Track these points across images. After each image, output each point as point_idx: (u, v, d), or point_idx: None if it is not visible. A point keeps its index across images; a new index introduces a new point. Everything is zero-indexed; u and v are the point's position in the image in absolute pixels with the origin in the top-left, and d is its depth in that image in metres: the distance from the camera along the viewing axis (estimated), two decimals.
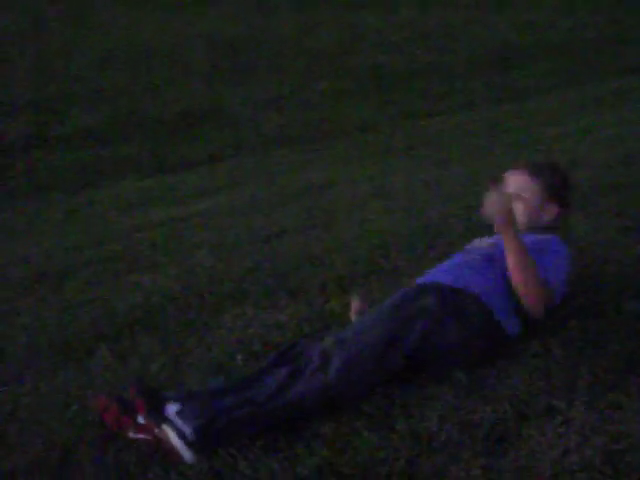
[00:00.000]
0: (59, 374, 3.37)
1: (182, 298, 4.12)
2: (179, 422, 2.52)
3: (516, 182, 3.17)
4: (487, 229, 3.14)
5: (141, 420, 2.60)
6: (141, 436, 2.60)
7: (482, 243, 3.19)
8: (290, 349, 2.87)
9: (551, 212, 3.15)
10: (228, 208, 7.14)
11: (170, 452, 2.50)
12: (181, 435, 2.49)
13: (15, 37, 14.80)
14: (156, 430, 2.55)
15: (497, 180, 3.07)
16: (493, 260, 2.96)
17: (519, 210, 3.05)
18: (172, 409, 2.58)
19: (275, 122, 11.62)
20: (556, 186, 3.15)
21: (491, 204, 2.86)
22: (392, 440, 2.38)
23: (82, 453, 2.64)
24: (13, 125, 11.39)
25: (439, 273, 3.01)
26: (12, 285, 5.17)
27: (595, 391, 2.47)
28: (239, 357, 3.20)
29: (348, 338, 2.68)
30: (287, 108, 12.14)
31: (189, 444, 2.48)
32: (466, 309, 2.76)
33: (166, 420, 2.54)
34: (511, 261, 2.83)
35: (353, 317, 3.17)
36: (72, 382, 3.24)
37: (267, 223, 5.98)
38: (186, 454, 2.48)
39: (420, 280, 3.05)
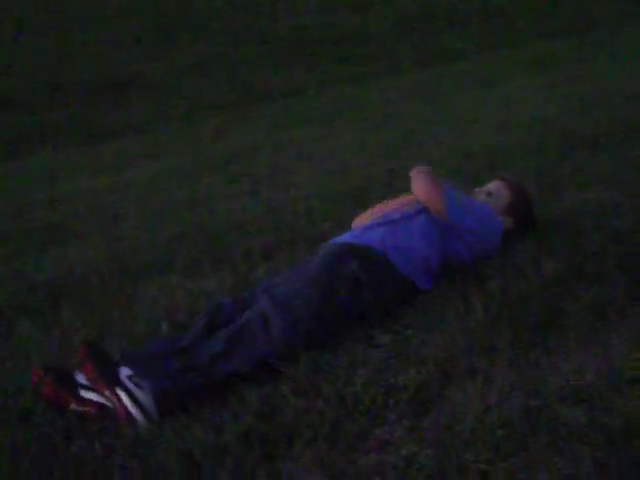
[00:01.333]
0: None
1: (106, 269, 4.06)
2: (132, 387, 2.52)
3: (493, 184, 3.53)
4: (408, 193, 3.23)
5: (84, 383, 2.58)
6: (83, 408, 2.57)
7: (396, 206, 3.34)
8: (217, 311, 2.87)
9: (506, 222, 3.40)
10: (152, 177, 7.06)
11: (119, 416, 2.49)
12: (137, 402, 2.49)
13: None
14: (107, 392, 2.53)
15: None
16: (412, 220, 3.15)
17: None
18: (124, 372, 2.57)
19: (201, 87, 11.48)
20: (520, 205, 3.46)
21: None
22: (317, 404, 2.39)
23: (5, 426, 2.59)
24: None
25: (363, 234, 3.14)
26: None
27: (516, 350, 2.53)
28: (164, 326, 3.18)
29: (285, 299, 2.78)
30: (210, 74, 12.00)
31: (145, 412, 2.48)
32: (384, 274, 2.94)
33: (119, 384, 2.53)
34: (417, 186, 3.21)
35: None
36: None
37: (192, 191, 5.93)
38: (139, 418, 2.48)
39: (338, 239, 3.21)
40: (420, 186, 3.21)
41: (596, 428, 2.06)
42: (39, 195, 6.99)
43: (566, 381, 2.30)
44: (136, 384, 2.54)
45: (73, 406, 2.59)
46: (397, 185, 3.46)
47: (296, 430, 2.29)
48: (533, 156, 4.87)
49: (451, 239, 3.16)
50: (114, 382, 2.54)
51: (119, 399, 2.52)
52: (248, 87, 11.42)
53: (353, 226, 3.38)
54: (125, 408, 2.50)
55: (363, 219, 3.36)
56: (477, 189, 3.54)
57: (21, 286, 4.06)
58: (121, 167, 7.94)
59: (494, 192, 3.47)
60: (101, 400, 2.56)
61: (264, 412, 2.40)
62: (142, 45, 13.02)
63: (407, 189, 3.31)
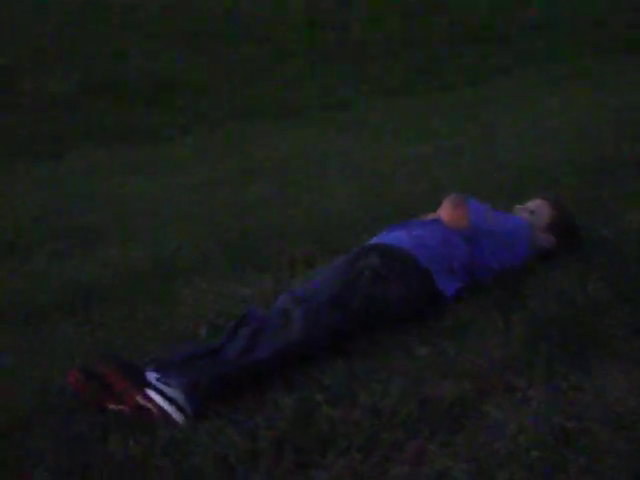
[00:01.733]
0: (22, 346, 3.35)
1: (149, 271, 4.11)
2: (163, 387, 2.56)
3: (534, 202, 3.54)
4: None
5: (118, 392, 2.61)
6: (120, 407, 2.60)
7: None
8: (247, 315, 2.93)
9: (548, 240, 3.41)
10: (197, 182, 7.11)
11: (156, 417, 2.52)
12: (168, 399, 2.53)
13: None
14: (138, 397, 2.56)
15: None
16: (433, 225, 3.24)
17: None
18: (152, 376, 2.61)
19: (246, 95, 11.55)
20: (562, 223, 3.45)
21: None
22: (353, 414, 2.40)
23: (43, 424, 2.63)
24: None
25: (387, 236, 3.25)
26: None
27: (555, 370, 2.51)
28: (203, 330, 3.21)
29: (305, 293, 2.89)
30: (258, 81, 12.06)
31: (178, 406, 2.52)
32: (407, 272, 3.00)
33: (150, 385, 2.57)
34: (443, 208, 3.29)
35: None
36: (36, 353, 3.23)
37: (237, 197, 5.97)
38: (177, 416, 2.52)
39: (367, 242, 3.31)
40: (446, 207, 3.28)
41: (637, 456, 2.03)
42: (84, 195, 7.08)
43: (607, 406, 2.28)
44: (165, 383, 2.58)
45: (111, 405, 2.62)
46: (440, 199, 3.47)
47: (330, 439, 2.30)
48: (577, 174, 4.83)
49: (475, 243, 3.19)
50: (143, 386, 2.58)
51: (151, 400, 2.55)
52: (292, 97, 11.46)
53: None
54: (158, 406, 2.53)
55: None
56: (518, 206, 3.53)
57: (63, 286, 4.11)
58: (166, 170, 8.01)
59: (536, 210, 3.48)
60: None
61: (298, 419, 2.41)
62: (189, 48, 13.12)
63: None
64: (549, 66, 11.87)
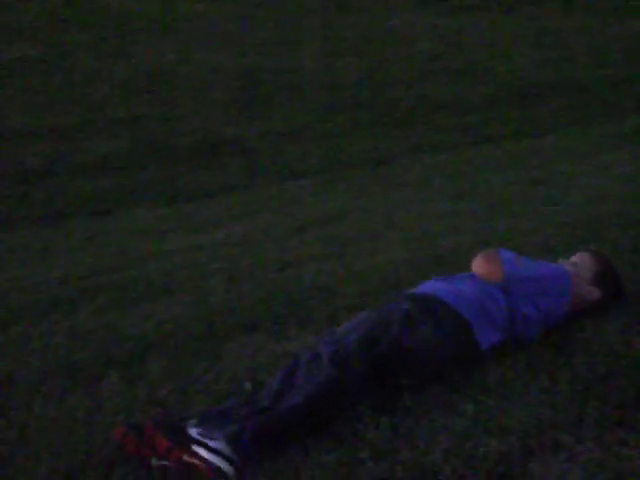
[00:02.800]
0: (68, 399, 3.37)
1: (193, 326, 4.13)
2: (207, 440, 2.56)
3: (578, 256, 3.52)
4: None
5: (163, 452, 2.61)
6: (165, 463, 2.60)
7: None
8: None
9: (593, 293, 3.37)
10: (242, 237, 7.17)
11: (201, 471, 2.51)
12: (213, 451, 2.52)
13: (40, 66, 15.01)
14: (184, 456, 2.55)
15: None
16: (473, 278, 3.23)
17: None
18: (194, 432, 2.61)
19: (292, 153, 11.68)
20: (606, 276, 3.42)
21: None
22: (396, 471, 2.37)
23: (87, 478, 2.64)
24: (33, 152, 11.52)
25: (421, 287, 3.28)
26: (26, 310, 5.19)
27: (602, 427, 2.46)
28: (248, 385, 3.21)
29: (337, 338, 2.91)
30: (304, 139, 12.20)
31: (225, 457, 2.52)
32: (440, 315, 3.00)
33: (194, 441, 2.56)
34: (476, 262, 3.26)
35: None
36: (80, 407, 3.25)
37: (281, 253, 6.00)
38: (225, 466, 2.51)
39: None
40: (479, 262, 3.27)
41: None
42: (133, 251, 7.18)
43: None
44: (208, 437, 2.58)
45: (154, 461, 2.62)
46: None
47: None
48: (626, 229, 4.77)
49: (509, 292, 3.16)
50: (188, 442, 2.57)
51: (196, 454, 2.54)
52: (338, 154, 11.57)
53: None
54: (204, 459, 2.52)
55: None
56: (561, 260, 3.50)
57: (110, 339, 4.15)
58: (213, 227, 8.10)
59: (579, 263, 3.45)
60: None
61: (341, 476, 2.38)
62: (238, 108, 13.36)
63: None
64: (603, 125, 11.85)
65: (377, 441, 2.53)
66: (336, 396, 2.71)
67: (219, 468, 2.51)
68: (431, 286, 3.23)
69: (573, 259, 3.49)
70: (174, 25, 17.46)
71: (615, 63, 15.20)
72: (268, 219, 8.24)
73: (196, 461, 2.54)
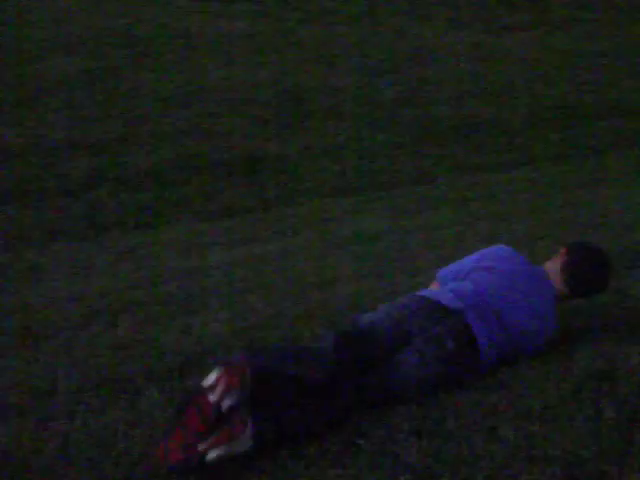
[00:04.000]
0: (109, 411, 3.40)
1: (232, 341, 4.14)
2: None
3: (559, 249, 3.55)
4: None
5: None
6: (211, 439, 2.65)
7: None
8: None
9: (560, 286, 3.40)
10: (281, 254, 7.19)
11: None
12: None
13: (84, 80, 15.23)
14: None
15: None
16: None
17: None
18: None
19: (331, 170, 11.71)
20: (573, 266, 3.40)
21: None
22: None
23: None
24: (76, 165, 11.66)
25: (440, 295, 3.40)
26: (68, 321, 5.25)
27: None
28: None
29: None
30: (344, 157, 12.22)
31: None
32: (456, 330, 3.14)
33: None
34: None
35: None
36: (121, 420, 3.27)
37: (319, 270, 6.00)
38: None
39: (424, 293, 3.49)
40: None
41: None
42: (172, 265, 7.23)
43: None
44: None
45: (201, 446, 2.66)
46: None
47: None
48: None
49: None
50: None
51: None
52: (377, 173, 11.58)
53: None
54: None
55: None
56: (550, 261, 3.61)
57: (150, 353, 4.17)
58: (251, 242, 8.13)
59: (555, 253, 3.51)
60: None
61: None
62: (278, 125, 13.44)
63: None
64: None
65: (417, 465, 2.52)
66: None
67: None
68: (454, 298, 3.35)
69: (562, 251, 3.51)
70: (216, 42, 17.62)
71: None
72: (307, 236, 8.25)
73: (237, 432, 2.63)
